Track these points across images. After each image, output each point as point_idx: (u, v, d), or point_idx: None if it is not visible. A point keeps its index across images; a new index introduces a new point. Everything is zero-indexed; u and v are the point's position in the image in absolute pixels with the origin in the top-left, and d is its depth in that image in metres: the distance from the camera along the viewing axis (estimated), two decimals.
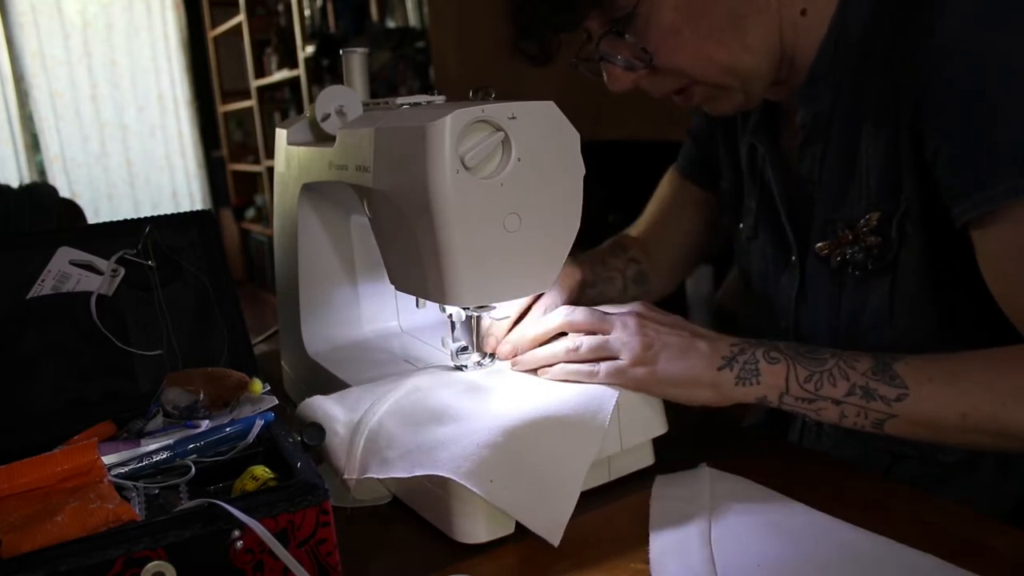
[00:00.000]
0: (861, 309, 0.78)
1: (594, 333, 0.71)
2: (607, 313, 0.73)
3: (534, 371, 0.73)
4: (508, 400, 0.68)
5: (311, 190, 0.82)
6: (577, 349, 0.70)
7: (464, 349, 0.76)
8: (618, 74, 0.76)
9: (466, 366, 0.75)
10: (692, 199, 1.03)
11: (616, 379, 0.68)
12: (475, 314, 0.74)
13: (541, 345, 0.74)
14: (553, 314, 0.75)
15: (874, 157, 0.74)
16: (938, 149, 0.68)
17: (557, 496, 0.60)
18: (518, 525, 0.62)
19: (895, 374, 0.64)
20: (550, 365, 0.72)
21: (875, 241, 0.74)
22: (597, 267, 0.98)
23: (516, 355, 0.75)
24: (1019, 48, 0.64)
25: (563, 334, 0.74)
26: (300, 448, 0.63)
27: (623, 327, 0.70)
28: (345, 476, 0.66)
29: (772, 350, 0.67)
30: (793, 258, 0.84)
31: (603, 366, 0.68)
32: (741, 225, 0.93)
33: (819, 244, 0.80)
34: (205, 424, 0.66)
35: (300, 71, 4.22)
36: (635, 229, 1.08)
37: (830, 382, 0.65)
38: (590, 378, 0.69)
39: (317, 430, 0.66)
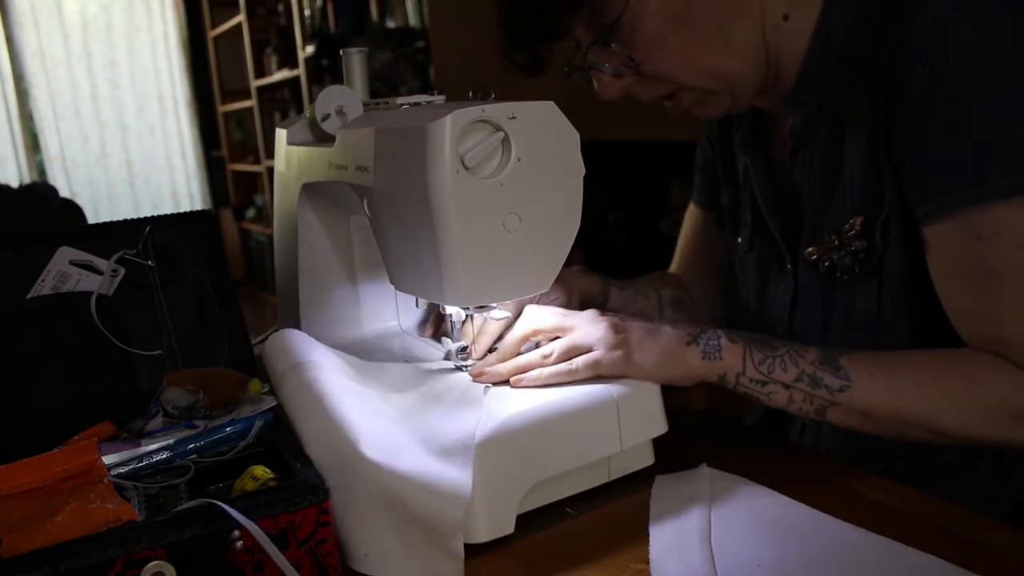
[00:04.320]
0: (851, 312, 0.78)
1: (560, 336, 0.72)
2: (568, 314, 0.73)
3: (505, 382, 0.71)
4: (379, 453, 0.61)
5: (311, 190, 0.82)
6: (550, 354, 0.70)
7: (464, 349, 0.76)
8: (607, 82, 0.77)
9: (466, 366, 0.75)
10: (713, 226, 1.04)
11: (594, 370, 0.68)
12: (474, 314, 0.74)
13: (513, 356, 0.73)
14: (517, 324, 0.75)
15: (856, 161, 0.74)
16: (903, 154, 0.69)
17: (441, 548, 0.58)
18: (518, 525, 0.62)
19: (840, 366, 0.67)
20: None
21: (861, 245, 0.75)
22: (628, 285, 1.00)
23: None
24: (989, 56, 0.65)
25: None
26: (299, 448, 0.63)
27: (588, 322, 0.71)
28: None
29: (731, 332, 0.70)
30: (788, 266, 0.85)
31: (579, 361, 0.69)
32: (739, 240, 0.94)
33: (808, 249, 0.80)
34: (205, 424, 0.66)
35: (300, 71, 4.22)
36: (671, 267, 1.09)
37: (781, 367, 0.68)
38: (570, 376, 0.68)
39: None
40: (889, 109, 0.70)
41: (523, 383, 0.70)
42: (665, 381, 0.70)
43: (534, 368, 0.70)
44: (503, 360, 0.73)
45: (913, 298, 0.74)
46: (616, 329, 0.69)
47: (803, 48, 0.76)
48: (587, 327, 0.71)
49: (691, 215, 1.07)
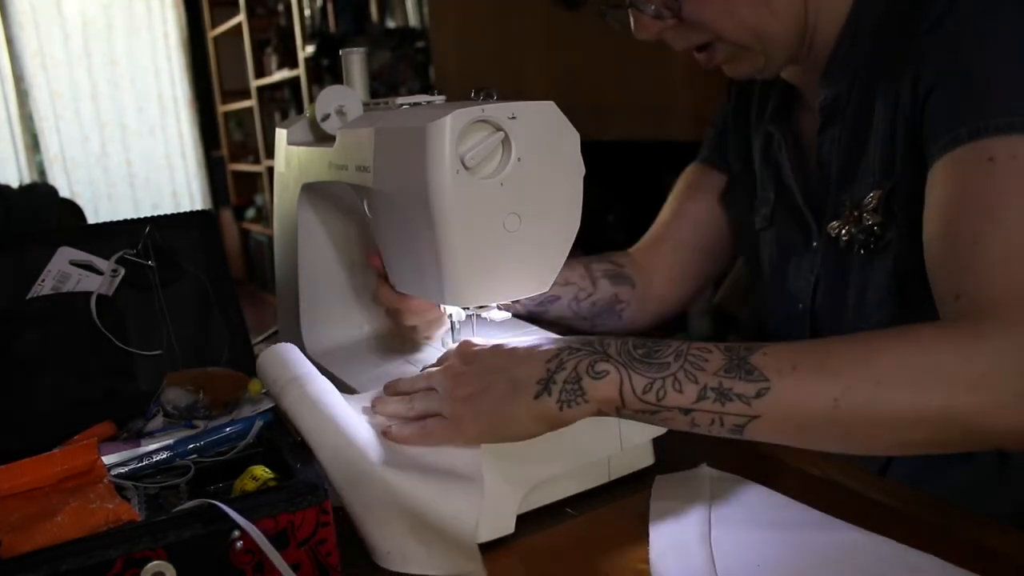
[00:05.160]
0: (866, 288, 0.79)
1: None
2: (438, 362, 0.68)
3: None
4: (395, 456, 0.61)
5: (311, 190, 0.82)
6: (411, 409, 0.65)
7: None
8: (645, 22, 0.78)
9: None
10: (712, 186, 1.00)
11: (443, 437, 0.61)
12: (475, 314, 0.74)
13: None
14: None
15: (879, 136, 0.75)
16: (926, 96, 0.68)
17: (459, 549, 0.58)
18: (518, 525, 0.62)
19: (751, 367, 0.55)
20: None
21: (877, 219, 0.76)
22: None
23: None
24: (1015, 11, 0.65)
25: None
26: (299, 448, 0.63)
27: (441, 377, 0.64)
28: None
29: (601, 360, 0.57)
30: (815, 243, 0.85)
31: (430, 424, 0.62)
32: (752, 217, 0.94)
33: (831, 224, 0.81)
34: (205, 424, 0.66)
35: (300, 71, 4.22)
36: (645, 236, 1.04)
37: (675, 388, 0.55)
38: (423, 439, 0.62)
39: None
40: (918, 67, 0.69)
41: (391, 437, 0.63)
42: (527, 439, 0.60)
43: (399, 419, 0.65)
44: (394, 393, 0.69)
45: (921, 275, 0.74)
46: (462, 398, 0.61)
47: (839, 21, 0.77)
48: (440, 384, 0.64)
49: (687, 174, 1.03)
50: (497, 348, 0.64)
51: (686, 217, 1.01)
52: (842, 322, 0.82)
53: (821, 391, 0.54)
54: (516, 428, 0.59)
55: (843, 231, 0.79)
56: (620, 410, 0.57)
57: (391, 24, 3.47)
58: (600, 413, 0.58)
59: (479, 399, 0.60)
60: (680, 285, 1.02)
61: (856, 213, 0.77)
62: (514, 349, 0.63)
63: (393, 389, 0.69)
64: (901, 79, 0.71)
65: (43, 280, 0.74)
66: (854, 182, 0.78)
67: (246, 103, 5.10)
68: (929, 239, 0.66)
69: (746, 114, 0.95)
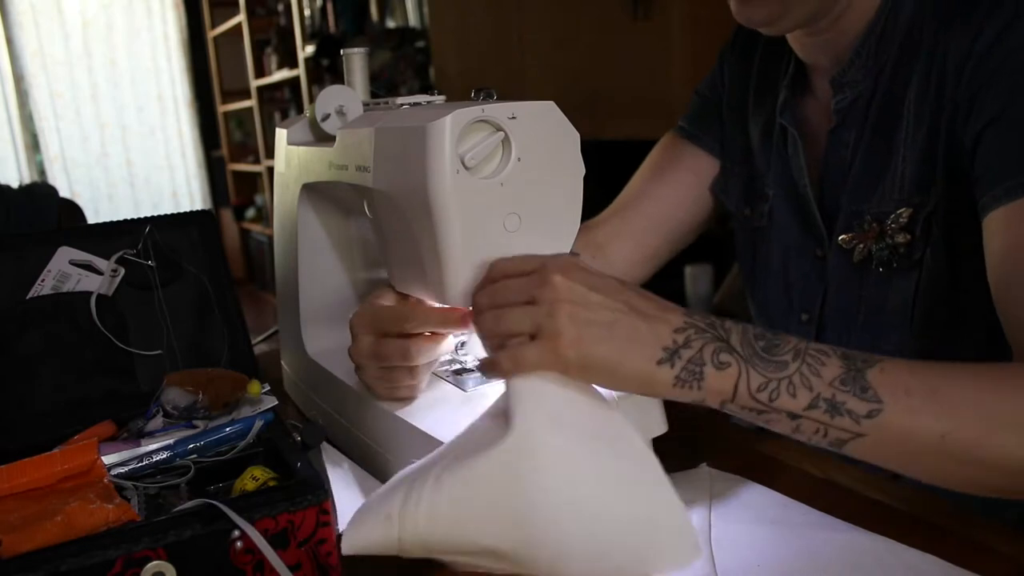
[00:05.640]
0: (881, 307, 0.76)
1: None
2: (534, 270, 0.56)
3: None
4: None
5: (311, 190, 0.82)
6: (495, 328, 0.56)
7: (463, 344, 0.76)
8: None
9: (464, 364, 0.75)
10: (688, 164, 0.95)
11: (535, 360, 0.53)
12: None
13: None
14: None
15: (912, 150, 0.72)
16: (983, 128, 0.65)
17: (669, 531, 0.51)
18: None
19: (867, 384, 0.52)
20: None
21: (904, 239, 0.72)
22: None
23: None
24: None
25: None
26: (299, 448, 0.63)
27: (552, 291, 0.54)
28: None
29: (723, 350, 0.53)
30: (819, 252, 0.82)
31: (520, 348, 0.54)
32: (748, 212, 0.90)
33: (842, 236, 0.77)
34: (205, 424, 0.66)
35: (300, 71, 4.23)
36: (604, 212, 0.97)
37: (788, 392, 0.52)
38: (514, 367, 0.53)
39: (316, 429, 0.66)
40: (963, 95, 0.66)
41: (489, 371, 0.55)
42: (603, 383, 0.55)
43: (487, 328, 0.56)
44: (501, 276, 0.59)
45: (948, 300, 0.72)
46: (573, 318, 0.53)
47: (873, 8, 0.74)
48: (546, 300, 0.54)
49: (662, 146, 0.97)
50: (622, 283, 0.56)
51: (657, 195, 0.96)
52: (850, 338, 0.79)
53: (931, 424, 0.52)
54: (619, 377, 0.53)
55: (860, 246, 0.75)
56: (725, 404, 0.54)
57: (391, 24, 3.48)
58: (703, 403, 0.54)
59: (598, 329, 0.53)
60: (642, 267, 0.98)
61: (878, 228, 0.74)
62: (643, 294, 0.56)
63: (501, 271, 0.59)
64: (945, 95, 0.68)
65: (43, 280, 0.74)
66: (874, 194, 0.74)
67: (246, 103, 5.11)
68: (998, 287, 0.63)
69: (744, 102, 0.90)
